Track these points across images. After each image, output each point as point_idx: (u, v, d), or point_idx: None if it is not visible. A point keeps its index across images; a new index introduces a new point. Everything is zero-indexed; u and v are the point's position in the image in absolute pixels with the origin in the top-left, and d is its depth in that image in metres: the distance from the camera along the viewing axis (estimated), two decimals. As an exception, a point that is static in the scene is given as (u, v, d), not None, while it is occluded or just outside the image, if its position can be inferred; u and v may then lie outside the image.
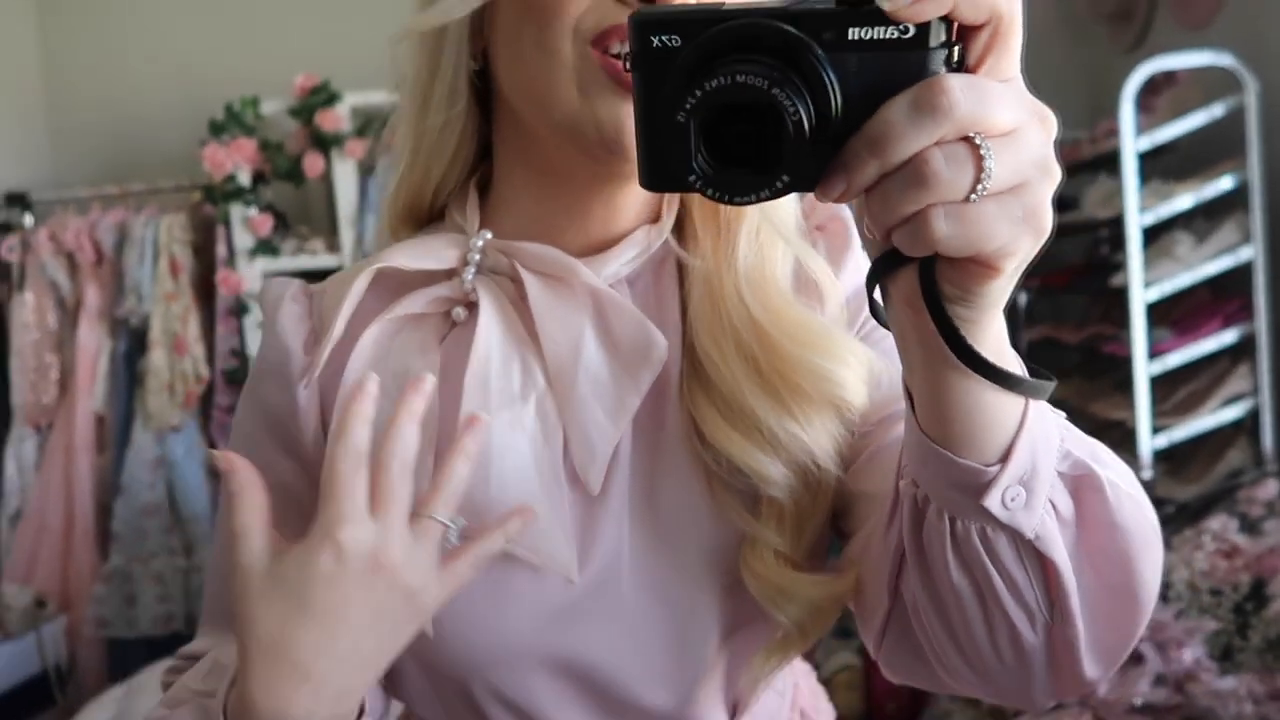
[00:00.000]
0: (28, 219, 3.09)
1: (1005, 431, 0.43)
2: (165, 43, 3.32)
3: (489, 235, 0.64)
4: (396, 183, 0.67)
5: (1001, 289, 0.39)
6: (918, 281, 0.39)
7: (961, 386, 0.42)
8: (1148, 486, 2.18)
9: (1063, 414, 0.48)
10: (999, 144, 0.35)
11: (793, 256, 0.63)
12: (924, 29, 0.35)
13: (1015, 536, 0.45)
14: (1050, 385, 0.43)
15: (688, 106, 0.35)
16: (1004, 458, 0.43)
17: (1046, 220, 0.37)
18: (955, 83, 0.34)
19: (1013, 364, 0.42)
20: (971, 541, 0.46)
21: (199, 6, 3.32)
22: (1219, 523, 1.86)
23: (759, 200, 0.37)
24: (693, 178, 0.37)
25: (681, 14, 0.37)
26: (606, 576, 0.61)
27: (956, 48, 0.36)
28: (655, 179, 0.39)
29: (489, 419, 0.55)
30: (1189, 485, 2.24)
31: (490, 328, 0.61)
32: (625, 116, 0.54)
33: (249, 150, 2.80)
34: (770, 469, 0.58)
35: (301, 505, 0.59)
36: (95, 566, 2.95)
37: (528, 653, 0.61)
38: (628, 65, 0.40)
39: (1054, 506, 0.45)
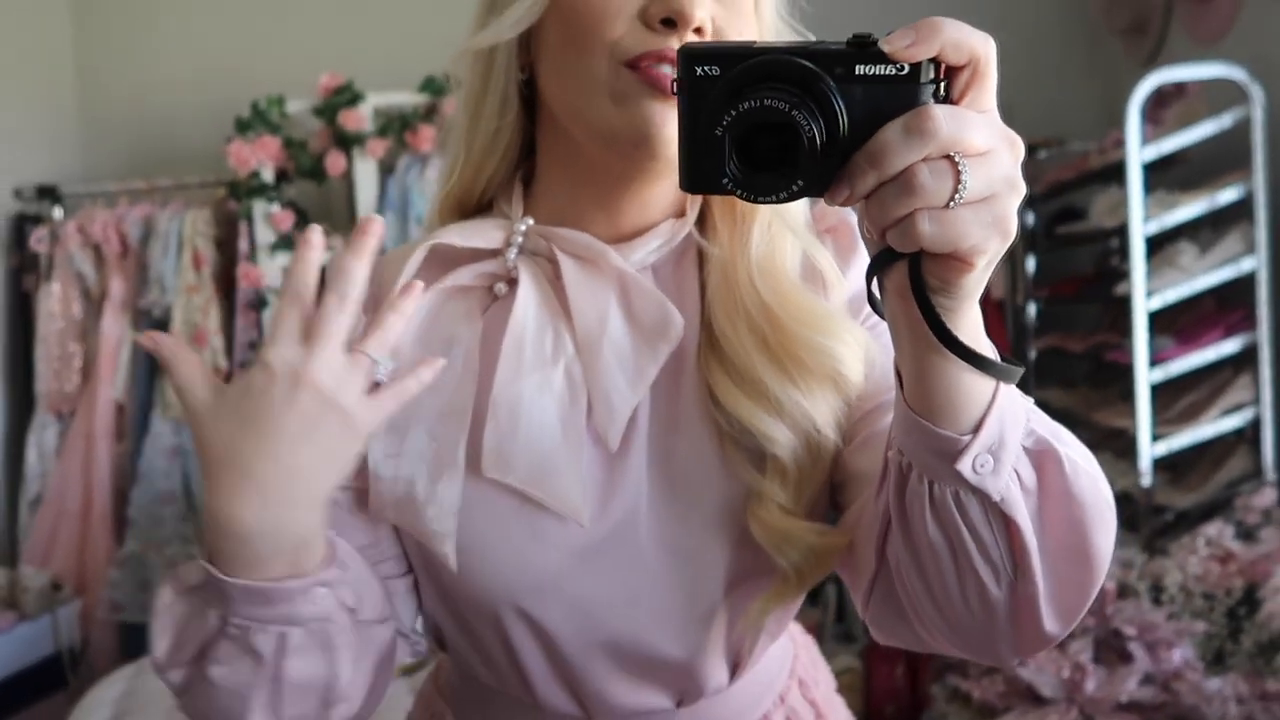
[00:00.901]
0: (57, 211, 3.17)
1: (978, 407, 0.50)
2: (194, 43, 3.40)
3: (531, 221, 0.72)
4: (449, 179, 0.75)
5: (975, 281, 0.46)
6: (907, 274, 0.47)
7: (941, 366, 0.49)
8: (1147, 494, 2.20)
9: (1030, 400, 0.55)
10: (974, 162, 0.43)
11: (800, 249, 0.71)
12: (916, 68, 0.44)
13: (984, 499, 0.51)
14: (1018, 371, 0.50)
15: (724, 123, 0.44)
16: (975, 429, 0.50)
17: (1012, 226, 0.45)
18: (940, 111, 0.42)
19: (987, 350, 0.49)
20: (946, 502, 0.52)
21: (228, 8, 3.40)
22: (1215, 529, 1.86)
23: (779, 200, 0.45)
24: (726, 180, 0.45)
25: (721, 49, 0.47)
26: (625, 526, 0.68)
27: (943, 84, 0.45)
28: (694, 182, 0.48)
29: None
30: (1189, 493, 2.24)
31: (528, 299, 0.70)
32: (656, 116, 0.63)
33: (273, 148, 2.87)
34: (775, 430, 0.65)
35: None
36: (111, 552, 3.00)
37: (550, 587, 0.68)
38: (674, 89, 0.48)
39: (1018, 475, 0.51)
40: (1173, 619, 1.67)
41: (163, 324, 3.02)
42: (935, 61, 0.44)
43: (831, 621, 2.65)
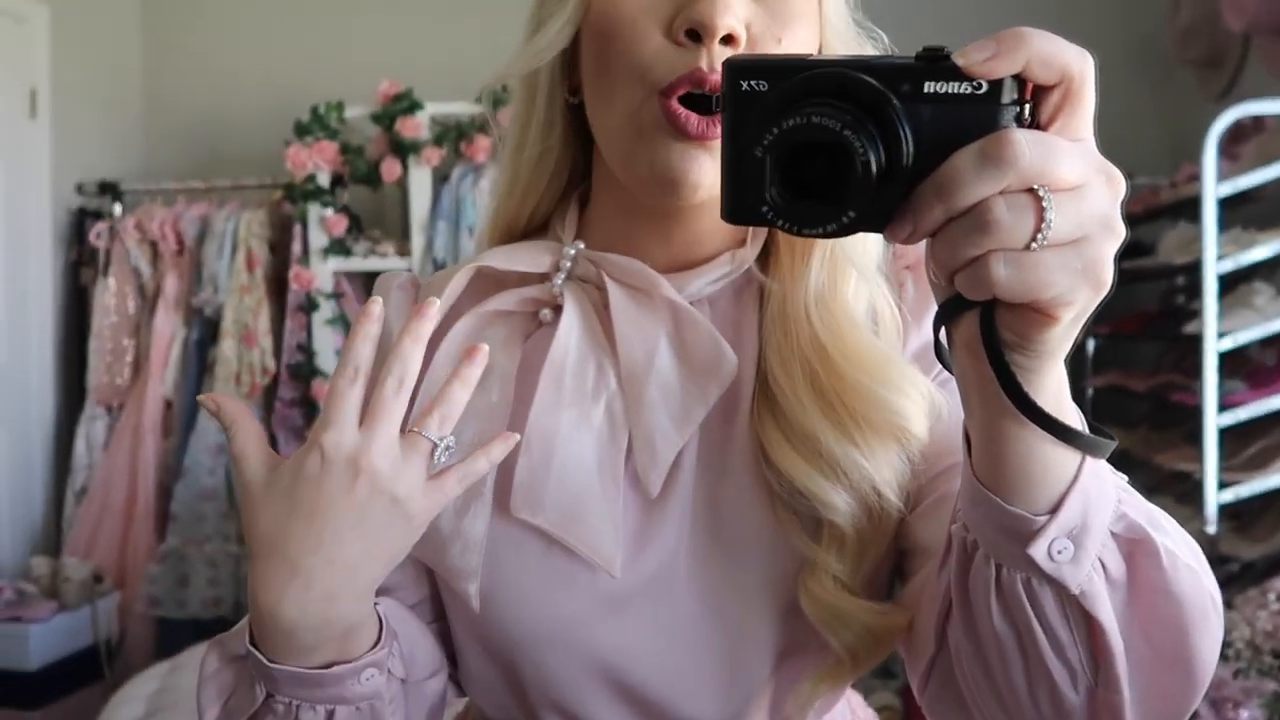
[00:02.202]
0: (117, 208, 3.22)
1: (1058, 484, 0.43)
2: (258, 48, 3.46)
3: (581, 245, 0.67)
4: (495, 209, 0.71)
5: (1059, 338, 0.40)
6: (978, 326, 0.40)
7: (1016, 434, 0.42)
8: (1212, 542, 2.12)
9: (1124, 477, 0.48)
10: (1062, 198, 0.37)
11: (865, 298, 0.64)
12: (996, 86, 0.38)
13: (1060, 590, 0.45)
14: (1110, 444, 0.43)
15: (765, 143, 0.39)
16: (1054, 509, 0.43)
17: (1106, 274, 0.38)
18: (1022, 136, 0.36)
19: (1072, 418, 0.43)
20: (1015, 590, 0.46)
21: (291, 16, 3.45)
22: (1286, 583, 1.78)
23: (826, 234, 0.39)
24: (765, 208, 0.40)
25: (771, 62, 0.42)
26: (660, 579, 0.63)
27: (1027, 106, 0.39)
28: (735, 211, 0.43)
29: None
30: (1256, 544, 2.16)
31: (571, 327, 0.65)
32: (674, 158, 0.58)
33: (330, 152, 2.89)
34: (833, 495, 0.59)
35: None
36: (152, 546, 3.03)
37: (575, 640, 0.62)
38: (718, 106, 0.43)
39: (1104, 566, 0.45)
40: (1239, 676, 1.59)
41: (214, 323, 3.06)
42: (1020, 80, 0.38)
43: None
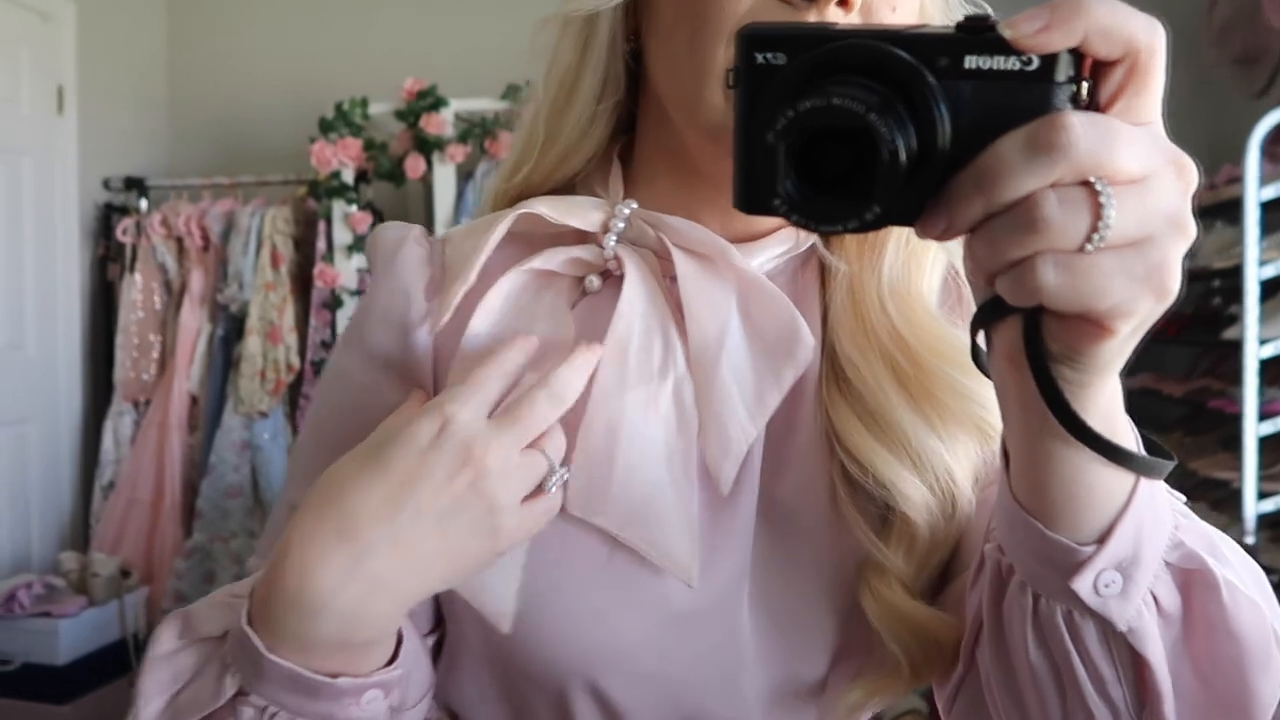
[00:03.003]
0: (143, 203, 3.23)
1: (1108, 510, 0.39)
2: (283, 45, 3.45)
3: (634, 205, 0.60)
4: (519, 164, 0.63)
5: (1114, 352, 0.35)
6: (1021, 335, 0.36)
7: (1061, 454, 0.38)
8: (1250, 553, 2.08)
9: (1182, 498, 0.44)
10: (1123, 192, 0.32)
11: (940, 270, 0.59)
12: (1049, 61, 0.33)
13: (1105, 626, 0.41)
14: (1168, 465, 0.39)
15: (778, 127, 0.34)
16: (1102, 538, 0.39)
17: (1173, 281, 0.34)
18: (1077, 120, 0.32)
19: (1125, 436, 0.39)
20: (1055, 623, 0.42)
21: (316, 12, 3.44)
22: (1328, 598, 1.74)
23: (846, 231, 0.35)
24: (777, 201, 0.35)
25: (791, 31, 0.36)
26: (730, 589, 0.56)
27: (1085, 85, 0.34)
28: (748, 200, 0.37)
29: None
30: (1296, 555, 2.12)
31: (636, 297, 0.58)
32: None
33: (354, 149, 2.88)
34: (910, 486, 0.54)
35: None
36: (178, 542, 3.05)
37: (632, 659, 0.56)
38: (729, 82, 0.39)
39: (1155, 600, 0.41)
40: None
41: (239, 319, 3.06)
42: (1076, 55, 0.33)
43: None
